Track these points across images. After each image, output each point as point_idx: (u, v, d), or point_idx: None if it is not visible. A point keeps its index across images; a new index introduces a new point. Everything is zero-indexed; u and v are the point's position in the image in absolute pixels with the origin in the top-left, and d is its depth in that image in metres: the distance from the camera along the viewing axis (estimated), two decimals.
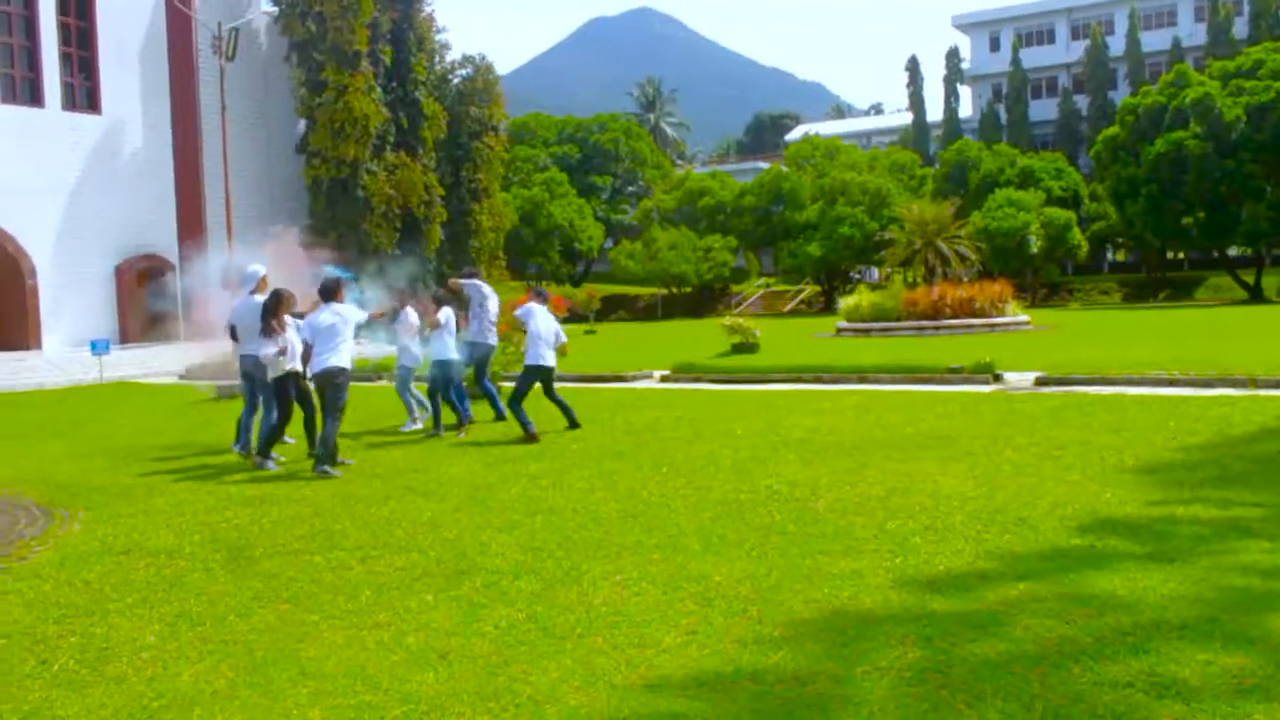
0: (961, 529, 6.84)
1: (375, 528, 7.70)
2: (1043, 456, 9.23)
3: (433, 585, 6.11)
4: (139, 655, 5.19)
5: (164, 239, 36.33)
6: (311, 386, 10.63)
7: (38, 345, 32.52)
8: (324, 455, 10.04)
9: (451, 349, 12.89)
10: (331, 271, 11.38)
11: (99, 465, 11.21)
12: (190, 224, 36.53)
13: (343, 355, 10.23)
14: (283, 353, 10.43)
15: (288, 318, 10.70)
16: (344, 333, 10.19)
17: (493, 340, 13.55)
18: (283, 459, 10.96)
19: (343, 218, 40.23)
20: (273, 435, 10.75)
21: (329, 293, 10.40)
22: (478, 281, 13.63)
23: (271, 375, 10.60)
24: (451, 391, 12.86)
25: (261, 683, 4.74)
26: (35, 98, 33.49)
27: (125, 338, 34.61)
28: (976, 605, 5.29)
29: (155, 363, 28.71)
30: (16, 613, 5.99)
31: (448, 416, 13.17)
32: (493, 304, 13.57)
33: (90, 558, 7.13)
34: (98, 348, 25.32)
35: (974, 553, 6.28)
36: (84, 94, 34.91)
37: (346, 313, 10.29)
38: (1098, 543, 6.35)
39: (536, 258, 60.26)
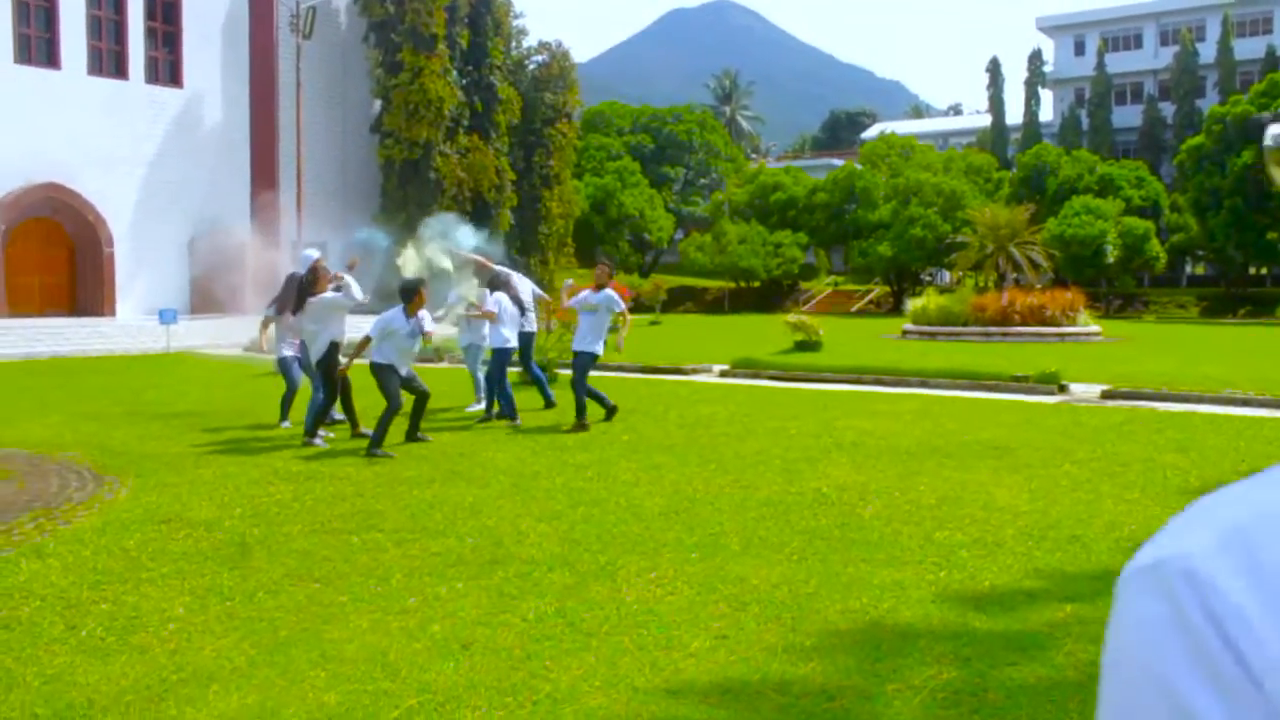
0: (1012, 544, 6.61)
1: (415, 510, 7.65)
2: (1103, 473, 8.93)
3: (465, 572, 6.04)
4: (165, 626, 5.18)
5: (238, 213, 36.82)
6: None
7: (112, 312, 33.13)
8: (375, 438, 10.04)
9: (508, 336, 12.78)
10: (370, 238, 11.32)
11: (154, 433, 11.33)
12: (264, 199, 36.99)
13: (387, 352, 10.28)
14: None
15: (330, 294, 10.78)
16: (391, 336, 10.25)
17: (530, 327, 13.42)
18: (331, 435, 10.98)
19: (413, 199, 40.48)
20: (319, 413, 10.77)
21: (409, 294, 10.42)
22: (504, 268, 13.48)
23: (314, 357, 10.64)
24: (505, 381, 12.82)
25: (281, 662, 4.69)
26: (120, 70, 34.08)
27: (196, 308, 35.16)
28: (1020, 626, 5.08)
29: (222, 334, 29.12)
30: (54, 576, 6.02)
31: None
32: (525, 291, 13.48)
33: (131, 525, 7.16)
34: (165, 318, 25.71)
35: (1022, 570, 6.06)
36: (166, 68, 35.47)
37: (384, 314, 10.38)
38: None
39: (606, 246, 60.19)
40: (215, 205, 36.27)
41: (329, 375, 10.69)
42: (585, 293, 12.72)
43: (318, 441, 10.54)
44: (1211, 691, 0.57)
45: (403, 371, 10.40)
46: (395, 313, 10.30)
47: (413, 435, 10.71)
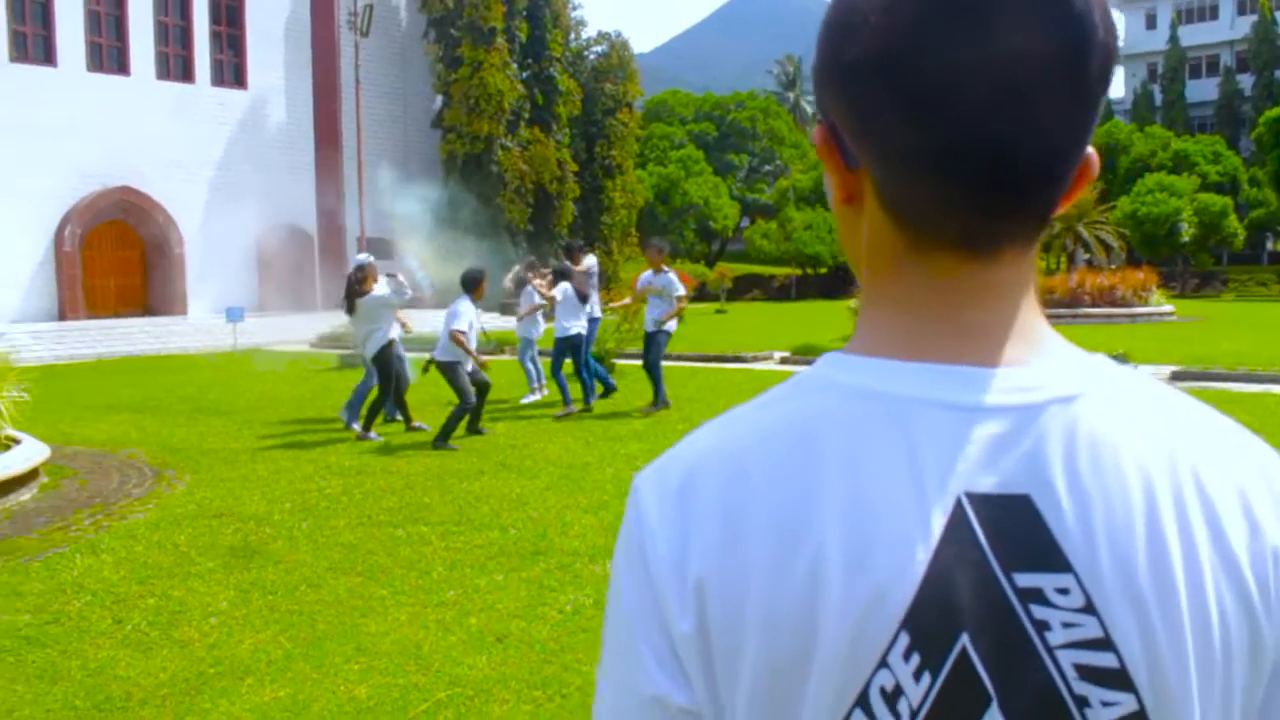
0: None
1: (462, 503, 7.66)
2: None
3: (506, 564, 6.03)
4: (207, 620, 5.23)
5: (304, 209, 37.33)
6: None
7: (184, 312, 33.77)
8: (443, 432, 10.12)
9: (573, 325, 12.73)
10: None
11: (215, 429, 11.50)
12: (328, 196, 37.48)
13: (447, 346, 10.35)
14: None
15: (381, 288, 10.86)
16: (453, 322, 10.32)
17: (595, 313, 13.42)
18: (411, 431, 11.06)
19: (476, 192, 40.71)
20: (373, 409, 10.84)
21: (470, 284, 10.55)
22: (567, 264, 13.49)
23: (370, 353, 10.73)
24: (561, 369, 12.84)
25: (317, 656, 4.71)
26: (187, 74, 34.67)
27: (264, 306, 35.74)
28: None
29: (289, 331, 29.56)
30: (106, 571, 6.12)
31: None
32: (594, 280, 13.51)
33: (184, 520, 7.26)
34: (232, 316, 26.14)
35: None
36: (231, 70, 36.03)
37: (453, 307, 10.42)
38: None
39: (671, 235, 60.06)
40: (281, 204, 36.80)
41: (384, 371, 10.77)
42: (646, 274, 12.76)
43: (371, 436, 10.62)
44: (628, 573, 0.76)
45: (467, 366, 10.47)
46: (465, 302, 10.45)
47: (474, 428, 10.75)
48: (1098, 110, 0.72)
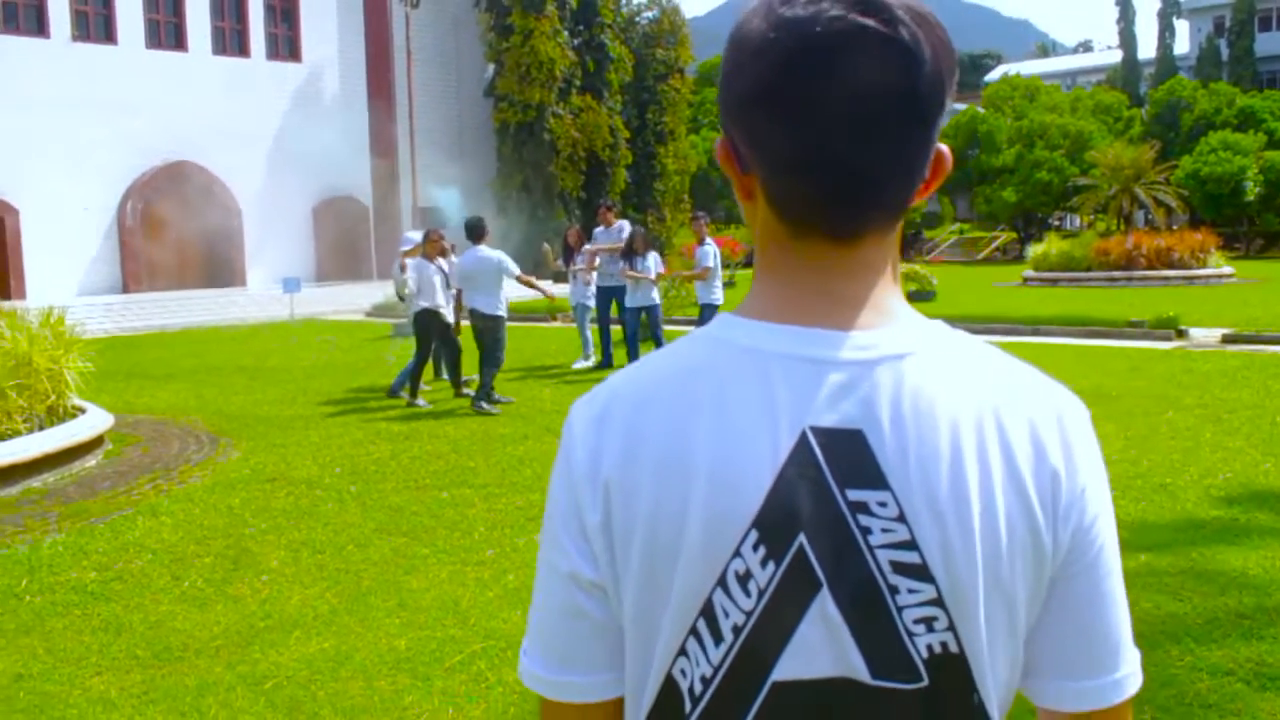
0: None
1: (505, 466, 7.89)
2: (1206, 419, 8.69)
3: None
4: (259, 578, 5.50)
5: (359, 180, 37.76)
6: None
7: (243, 283, 34.42)
8: (478, 394, 10.35)
9: (645, 294, 12.87)
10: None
11: (270, 397, 11.84)
12: (382, 166, 37.87)
13: (486, 300, 10.50)
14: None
15: (420, 260, 11.12)
16: (487, 278, 10.46)
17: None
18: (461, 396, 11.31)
19: (529, 161, 40.91)
20: (411, 374, 11.11)
21: (474, 233, 10.67)
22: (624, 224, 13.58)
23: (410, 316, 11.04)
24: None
25: (361, 610, 4.96)
26: (243, 49, 35.15)
27: (321, 275, 36.29)
28: None
29: (345, 300, 30.05)
30: (165, 532, 6.43)
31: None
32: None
33: (238, 485, 7.57)
34: (289, 286, 26.61)
35: None
36: (286, 43, 36.45)
37: (492, 257, 10.52)
38: (1241, 516, 5.96)
39: (724, 200, 59.87)
40: (336, 174, 37.23)
41: (420, 336, 11.03)
42: (696, 250, 12.99)
43: (419, 403, 10.89)
44: (557, 477, 0.98)
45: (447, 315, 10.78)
46: (485, 249, 10.66)
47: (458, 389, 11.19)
48: (935, 123, 0.91)
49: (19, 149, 29.58)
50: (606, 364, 13.32)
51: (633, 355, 12.76)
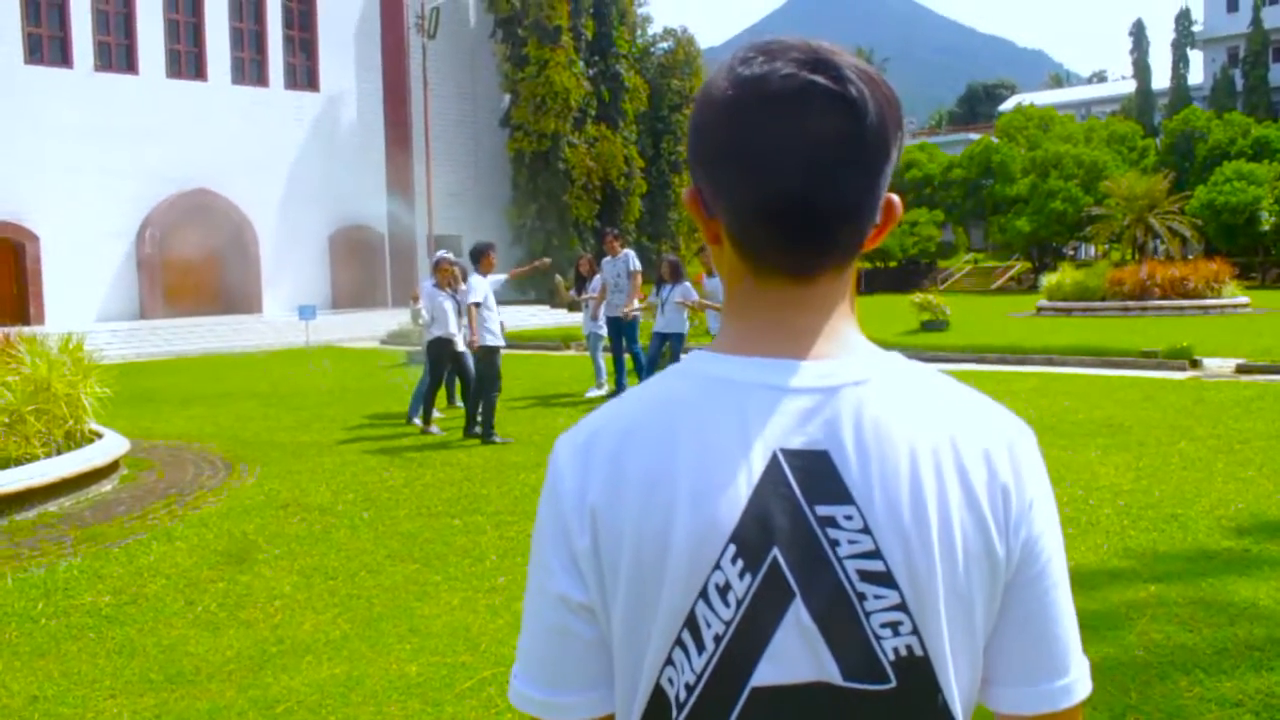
0: (1106, 523, 6.52)
1: (518, 494, 7.93)
2: (1219, 450, 8.67)
3: None
4: (272, 603, 5.54)
5: (375, 209, 38.01)
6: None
7: (259, 309, 34.63)
8: (483, 431, 10.40)
9: (675, 321, 12.83)
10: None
11: (285, 424, 11.92)
12: (398, 195, 38.10)
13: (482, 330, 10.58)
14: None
15: (427, 286, 11.23)
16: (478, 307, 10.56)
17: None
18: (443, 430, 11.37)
19: (544, 190, 41.13)
20: (421, 401, 11.18)
21: (472, 259, 10.78)
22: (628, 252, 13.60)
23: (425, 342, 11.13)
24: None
25: (372, 636, 4.99)
26: (261, 78, 35.51)
27: (336, 303, 36.48)
28: (1096, 605, 5.05)
29: (359, 328, 30.19)
30: (179, 557, 6.48)
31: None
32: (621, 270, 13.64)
33: (252, 510, 7.62)
34: (304, 314, 26.78)
35: (1113, 549, 5.98)
36: (304, 73, 36.80)
37: (479, 286, 10.59)
38: (1253, 546, 5.95)
39: None
40: (353, 203, 37.50)
41: (431, 363, 11.11)
42: (704, 281, 12.98)
43: (433, 430, 10.95)
44: (544, 505, 1.04)
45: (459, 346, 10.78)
46: (475, 277, 10.71)
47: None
48: (884, 171, 1.01)
49: (41, 176, 29.92)
50: (620, 392, 13.35)
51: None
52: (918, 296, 24.03)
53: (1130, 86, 74.17)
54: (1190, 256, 34.85)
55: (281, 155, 35.77)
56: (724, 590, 0.96)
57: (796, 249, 1.00)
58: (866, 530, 0.96)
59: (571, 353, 20.33)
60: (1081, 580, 5.44)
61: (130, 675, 4.63)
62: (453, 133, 40.20)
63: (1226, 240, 44.13)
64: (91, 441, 8.98)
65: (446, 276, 11.26)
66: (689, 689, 0.98)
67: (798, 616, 0.96)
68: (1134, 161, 53.54)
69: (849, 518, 0.96)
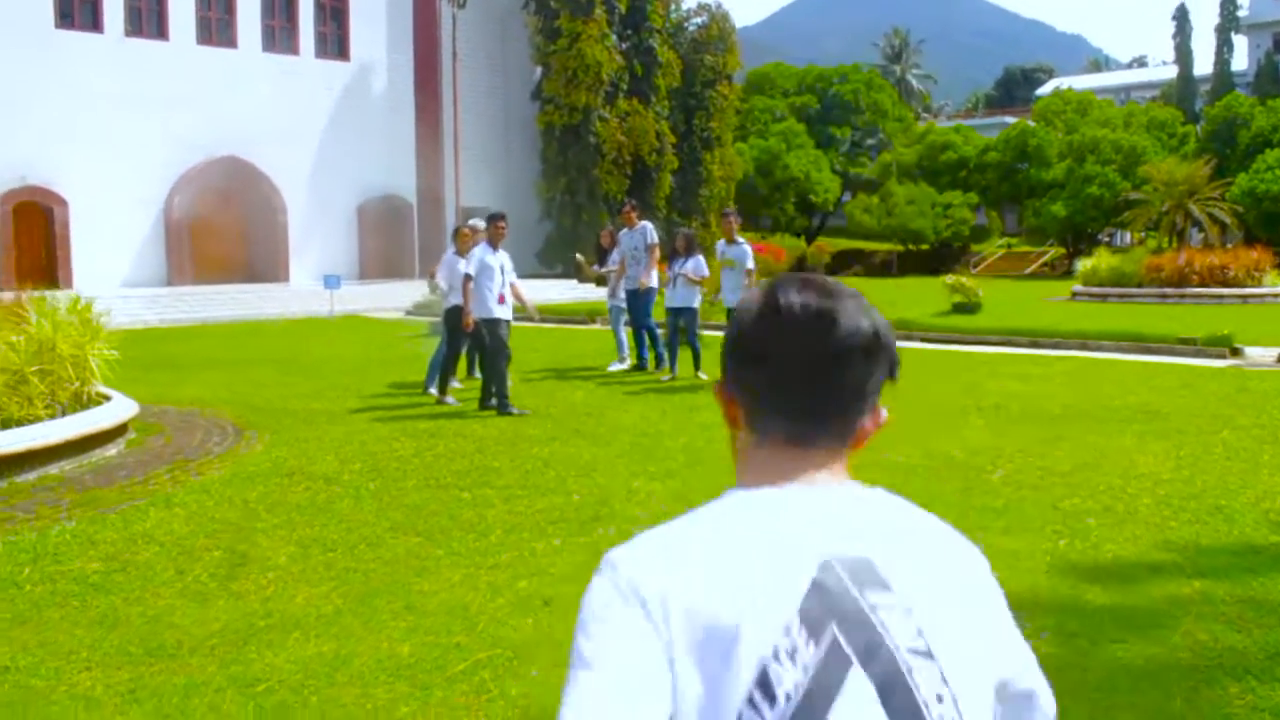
0: (1146, 514, 6.18)
1: (529, 468, 7.66)
2: (1264, 440, 8.29)
3: (565, 530, 5.99)
4: (265, 574, 5.30)
5: (404, 180, 37.80)
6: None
7: (286, 278, 34.52)
8: (499, 403, 10.15)
9: (686, 296, 12.63)
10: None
11: (300, 392, 11.69)
12: (427, 165, 37.89)
13: (479, 301, 10.34)
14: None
15: (448, 255, 11.04)
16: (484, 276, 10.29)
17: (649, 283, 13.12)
18: (458, 401, 11.10)
19: (574, 163, 40.79)
20: (438, 370, 10.95)
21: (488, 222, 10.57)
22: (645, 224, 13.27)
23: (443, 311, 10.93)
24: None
25: (366, 612, 4.73)
26: (292, 47, 35.28)
27: (364, 273, 36.33)
28: (1137, 601, 4.73)
29: (385, 299, 30.01)
30: (176, 524, 6.25)
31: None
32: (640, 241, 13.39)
33: (256, 478, 7.38)
34: (330, 283, 26.59)
35: (1152, 541, 5.65)
36: (335, 42, 36.55)
37: (473, 258, 10.36)
38: None
39: (770, 209, 59.48)
40: (382, 173, 37.31)
41: (452, 333, 10.88)
42: (720, 245, 12.75)
43: (448, 400, 10.70)
44: (613, 602, 1.14)
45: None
46: (482, 246, 10.51)
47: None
48: (873, 380, 1.26)
49: (70, 142, 29.84)
50: (641, 367, 13.08)
51: (671, 361, 12.44)
52: (950, 278, 23.59)
53: (1171, 72, 73.02)
54: (1229, 244, 34.13)
55: (311, 124, 35.58)
56: (792, 654, 1.10)
57: (798, 437, 1.26)
58: (909, 613, 1.15)
59: (596, 327, 20.05)
60: (1119, 573, 5.12)
61: (109, 647, 4.39)
62: (483, 104, 39.90)
63: (1267, 228, 43.23)
64: (98, 404, 8.78)
65: (466, 244, 10.99)
66: None
67: (858, 683, 1.10)
68: (1174, 148, 52.64)
69: (890, 604, 1.15)
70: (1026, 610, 4.56)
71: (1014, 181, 56.12)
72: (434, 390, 11.19)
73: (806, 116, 64.40)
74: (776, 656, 1.08)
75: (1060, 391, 10.99)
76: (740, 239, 12.71)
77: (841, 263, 55.90)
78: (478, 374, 11.92)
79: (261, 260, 34.98)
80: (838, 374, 1.23)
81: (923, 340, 17.20)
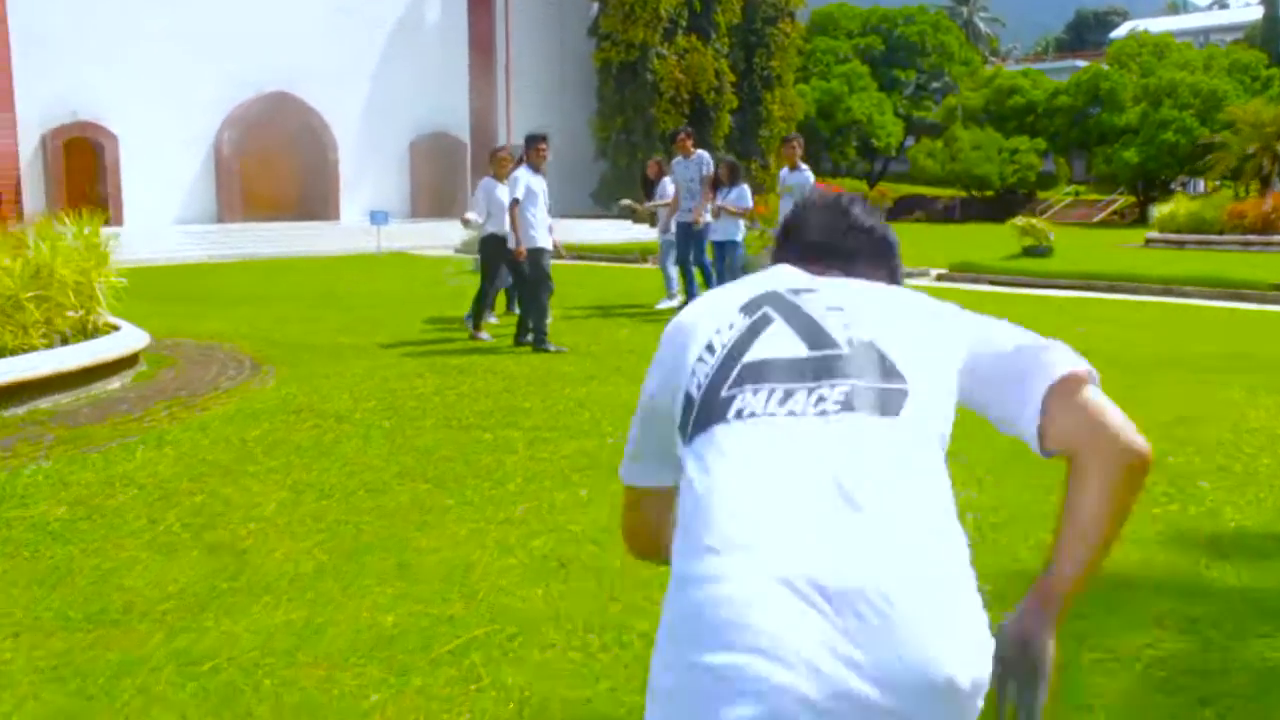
0: (1268, 475, 5.31)
1: (562, 408, 6.92)
2: None
3: (594, 478, 5.25)
4: (246, 524, 4.62)
5: (457, 118, 37.05)
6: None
7: (337, 216, 34.03)
8: (536, 339, 9.41)
9: (728, 228, 11.97)
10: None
11: (329, 326, 11.03)
12: (481, 102, 37.10)
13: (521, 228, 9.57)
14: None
15: (485, 181, 10.39)
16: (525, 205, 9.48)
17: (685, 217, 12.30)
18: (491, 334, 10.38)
19: (630, 101, 39.79)
20: (476, 304, 10.22)
21: (525, 150, 9.73)
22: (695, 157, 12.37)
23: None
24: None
25: (350, 572, 4.04)
26: None
27: (415, 212, 35.73)
28: (1274, 583, 3.90)
29: (435, 236, 29.36)
30: (163, 465, 5.60)
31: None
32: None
33: (261, 415, 6.71)
34: (376, 219, 25.96)
35: (1278, 507, 4.80)
36: None
37: (521, 180, 9.53)
38: None
39: (832, 152, 58.04)
40: (435, 110, 36.57)
41: (485, 264, 10.16)
42: (783, 172, 12.03)
43: (482, 336, 9.98)
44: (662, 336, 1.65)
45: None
46: (523, 169, 9.67)
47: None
48: (884, 258, 1.74)
49: (121, 77, 29.37)
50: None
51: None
52: (1020, 219, 22.45)
53: (1256, 13, 69.98)
54: None
55: (363, 60, 34.89)
56: (730, 327, 1.51)
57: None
58: (830, 300, 1.53)
59: (649, 266, 19.23)
60: (1248, 547, 4.29)
61: (43, 610, 3.73)
62: (538, 40, 38.93)
63: None
64: (106, 334, 8.17)
65: (505, 168, 10.23)
66: (706, 376, 1.47)
67: (779, 328, 1.49)
68: (1256, 92, 50.38)
69: (818, 297, 1.54)
70: (1142, 591, 3.76)
71: (1084, 127, 54.17)
72: (494, 319, 10.56)
73: (870, 58, 62.71)
74: (718, 331, 1.51)
75: (1147, 338, 10.04)
76: (803, 165, 11.88)
77: (903, 208, 54.49)
78: (517, 309, 11.19)
79: (312, 198, 34.50)
80: (845, 240, 1.70)
81: (991, 283, 16.20)
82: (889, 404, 1.36)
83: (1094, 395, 1.39)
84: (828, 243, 1.66)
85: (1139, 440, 1.36)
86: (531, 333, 9.43)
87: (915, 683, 1.17)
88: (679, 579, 1.31)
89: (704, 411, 1.41)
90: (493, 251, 10.11)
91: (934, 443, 1.39)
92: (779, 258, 1.68)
